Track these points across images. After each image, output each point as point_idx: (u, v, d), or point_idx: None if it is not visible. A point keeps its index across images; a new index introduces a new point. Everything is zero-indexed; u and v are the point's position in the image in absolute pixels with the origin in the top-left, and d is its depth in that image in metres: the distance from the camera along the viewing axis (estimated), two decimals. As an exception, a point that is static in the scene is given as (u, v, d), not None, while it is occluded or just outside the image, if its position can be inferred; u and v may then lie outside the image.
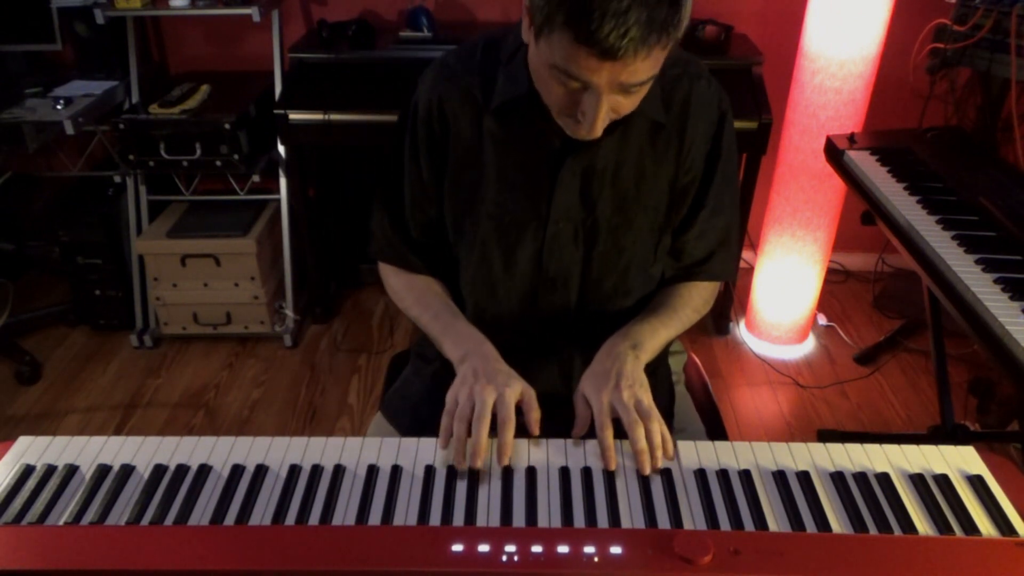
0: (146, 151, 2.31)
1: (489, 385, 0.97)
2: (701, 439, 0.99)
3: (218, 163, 2.33)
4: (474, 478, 0.90)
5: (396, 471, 0.91)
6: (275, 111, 2.27)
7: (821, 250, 2.43)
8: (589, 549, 0.78)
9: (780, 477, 0.91)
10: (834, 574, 0.77)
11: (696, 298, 1.17)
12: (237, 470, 0.91)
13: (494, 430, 0.94)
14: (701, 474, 0.91)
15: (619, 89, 0.89)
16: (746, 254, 2.67)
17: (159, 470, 0.92)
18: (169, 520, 0.85)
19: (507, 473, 0.91)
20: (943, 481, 0.91)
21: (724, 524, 0.85)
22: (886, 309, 2.84)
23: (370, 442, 0.96)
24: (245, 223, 2.53)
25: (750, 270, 2.69)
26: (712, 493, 0.89)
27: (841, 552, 0.79)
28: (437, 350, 1.12)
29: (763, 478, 0.91)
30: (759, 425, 2.31)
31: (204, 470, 0.92)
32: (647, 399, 0.97)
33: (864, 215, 1.80)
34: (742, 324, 2.72)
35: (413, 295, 1.18)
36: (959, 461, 0.94)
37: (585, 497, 0.88)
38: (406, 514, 0.86)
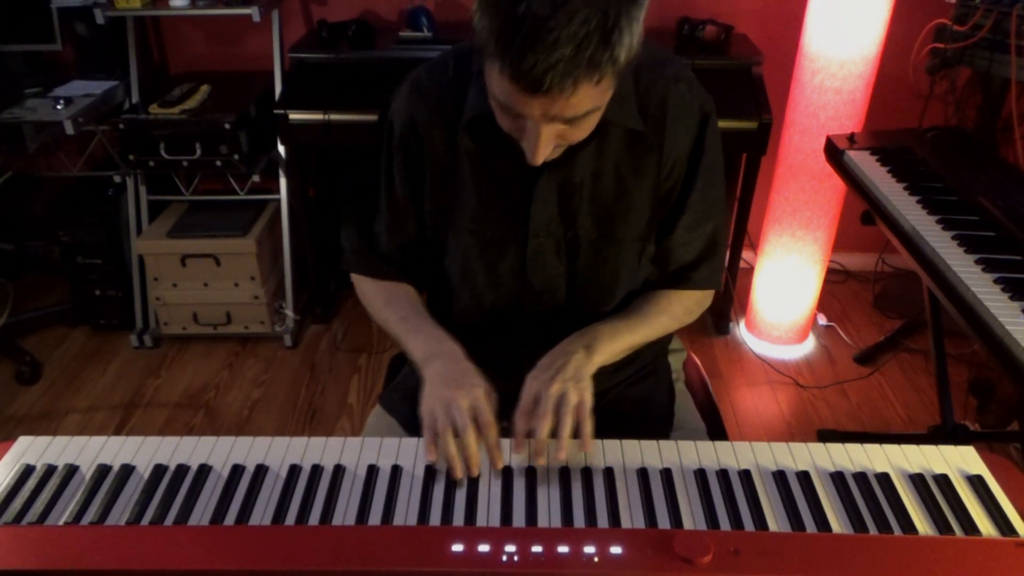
0: (146, 151, 2.31)
1: (460, 391, 0.96)
2: (701, 439, 0.99)
3: (218, 163, 2.33)
4: (474, 479, 0.91)
5: (396, 471, 0.92)
6: (275, 111, 2.27)
7: (821, 250, 2.43)
8: (589, 549, 0.78)
9: (780, 477, 0.91)
10: (834, 574, 0.77)
11: (676, 306, 1.15)
12: (237, 470, 0.92)
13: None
14: (701, 474, 0.91)
15: (559, 120, 0.86)
16: (746, 254, 2.67)
17: (159, 470, 0.92)
18: (169, 520, 0.85)
19: (507, 473, 0.91)
20: (943, 481, 0.91)
21: (724, 524, 0.85)
22: (886, 309, 2.83)
23: (370, 442, 0.96)
24: (245, 223, 2.53)
25: (750, 270, 2.69)
26: (712, 493, 0.89)
27: (841, 552, 0.79)
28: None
29: (763, 478, 0.91)
30: (759, 425, 2.31)
31: (204, 470, 0.92)
32: (576, 397, 0.95)
33: (864, 215, 1.80)
34: (742, 324, 2.72)
35: (383, 298, 1.17)
36: (959, 461, 0.94)
37: (585, 497, 0.88)
38: (406, 514, 0.86)
